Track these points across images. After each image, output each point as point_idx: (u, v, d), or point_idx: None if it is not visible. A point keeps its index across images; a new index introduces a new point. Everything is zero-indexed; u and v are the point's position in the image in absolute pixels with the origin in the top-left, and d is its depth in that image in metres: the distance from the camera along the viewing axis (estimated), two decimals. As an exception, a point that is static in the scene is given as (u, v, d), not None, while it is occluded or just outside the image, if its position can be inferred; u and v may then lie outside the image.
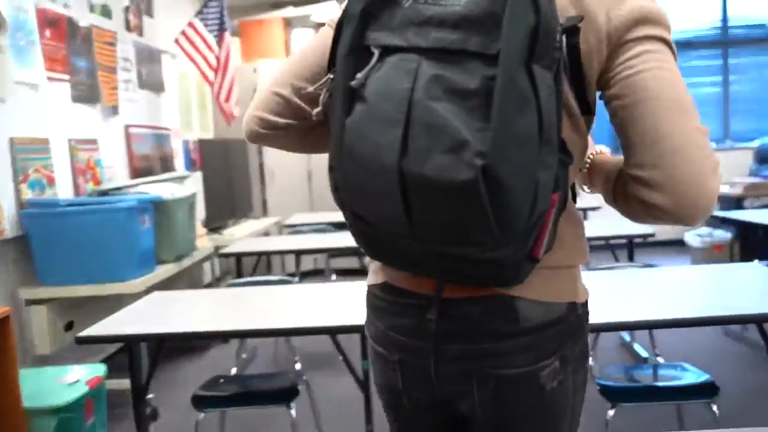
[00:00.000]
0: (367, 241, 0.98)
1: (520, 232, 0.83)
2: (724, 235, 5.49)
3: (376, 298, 1.11)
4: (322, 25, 1.07)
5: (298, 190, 6.60)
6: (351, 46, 0.88)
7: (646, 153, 0.88)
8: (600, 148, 1.10)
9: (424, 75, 0.80)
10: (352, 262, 5.64)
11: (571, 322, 1.02)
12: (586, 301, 1.07)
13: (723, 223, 5.64)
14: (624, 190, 0.93)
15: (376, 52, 0.86)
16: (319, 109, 0.96)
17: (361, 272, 3.95)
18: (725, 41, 7.12)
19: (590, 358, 1.17)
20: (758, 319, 2.04)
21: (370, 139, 0.84)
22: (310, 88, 1.01)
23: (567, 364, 1.01)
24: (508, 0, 0.77)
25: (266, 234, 5.56)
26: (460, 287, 0.98)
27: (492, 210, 0.78)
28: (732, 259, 5.38)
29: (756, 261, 4.46)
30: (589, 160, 1.07)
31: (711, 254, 5.45)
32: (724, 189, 5.67)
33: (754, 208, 5.14)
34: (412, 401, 1.10)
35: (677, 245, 6.43)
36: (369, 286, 1.13)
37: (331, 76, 0.92)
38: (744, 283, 2.28)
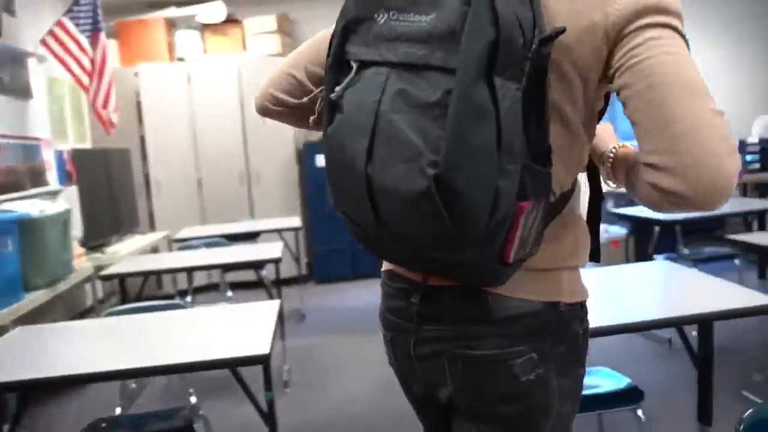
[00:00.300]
0: (361, 239, 1.04)
1: (480, 237, 0.85)
2: (619, 231, 5.61)
3: (383, 283, 1.19)
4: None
5: (187, 202, 6.21)
6: (333, 61, 0.96)
7: (657, 138, 0.85)
8: (624, 143, 1.10)
9: (391, 88, 0.86)
10: (248, 275, 5.33)
11: (549, 317, 1.01)
12: (579, 304, 1.07)
13: (619, 219, 5.79)
14: (642, 180, 0.90)
15: (354, 66, 0.92)
16: (315, 116, 1.08)
17: (257, 285, 3.68)
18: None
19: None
20: (677, 322, 1.98)
21: (345, 145, 0.91)
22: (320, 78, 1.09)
23: (546, 360, 1.01)
24: (467, 17, 0.80)
25: (155, 250, 5.16)
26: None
27: (448, 216, 0.83)
28: (627, 254, 5.52)
29: (656, 256, 4.57)
30: (611, 154, 1.07)
31: (608, 250, 5.56)
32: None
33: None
34: (404, 378, 1.18)
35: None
36: (382, 272, 1.21)
37: (324, 87, 0.99)
38: (656, 282, 2.22)
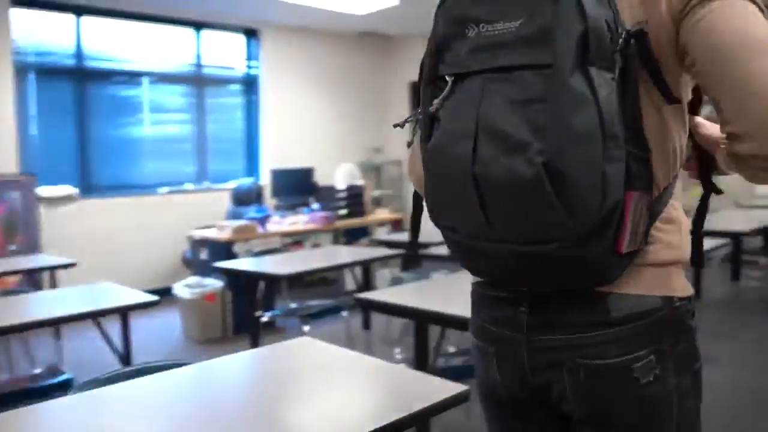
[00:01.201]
0: (459, 250, 1.05)
1: (594, 225, 0.87)
2: (215, 283, 5.07)
3: (476, 294, 1.17)
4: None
5: None
6: (428, 79, 1.04)
7: (729, 104, 0.86)
8: None
9: (489, 92, 0.93)
10: None
11: (666, 315, 1.00)
12: (689, 298, 1.04)
13: (213, 271, 5.22)
14: (727, 153, 0.91)
15: (450, 80, 1.00)
16: (410, 140, 1.18)
17: None
18: (199, 79, 6.90)
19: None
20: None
21: (447, 153, 0.97)
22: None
23: (666, 360, 0.99)
24: (557, 15, 0.88)
25: None
26: None
27: (560, 203, 0.86)
28: (224, 307, 5.01)
29: (264, 314, 4.12)
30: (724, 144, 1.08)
31: (202, 304, 4.98)
32: (212, 233, 5.27)
33: (244, 253, 4.92)
34: (508, 392, 1.12)
35: (166, 294, 5.78)
36: (472, 284, 1.19)
37: (419, 110, 1.07)
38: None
